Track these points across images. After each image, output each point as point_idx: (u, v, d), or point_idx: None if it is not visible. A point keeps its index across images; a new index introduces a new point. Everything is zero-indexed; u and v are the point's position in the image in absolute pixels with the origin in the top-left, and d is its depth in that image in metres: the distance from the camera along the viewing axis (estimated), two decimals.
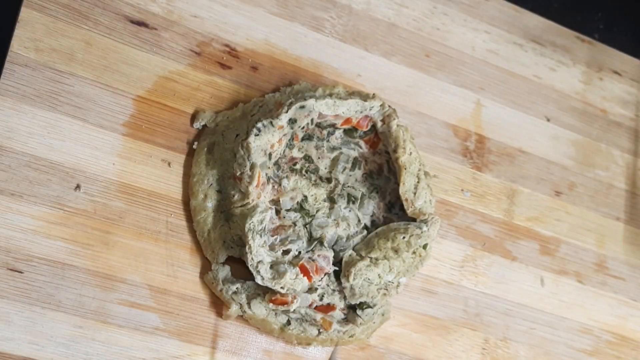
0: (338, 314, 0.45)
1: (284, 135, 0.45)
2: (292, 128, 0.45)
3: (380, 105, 0.47)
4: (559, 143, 0.59)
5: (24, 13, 0.44)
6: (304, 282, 0.44)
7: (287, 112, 0.44)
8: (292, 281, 0.42)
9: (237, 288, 0.43)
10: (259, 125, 0.43)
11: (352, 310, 0.45)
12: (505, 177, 0.56)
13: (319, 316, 0.44)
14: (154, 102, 0.46)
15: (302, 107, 0.44)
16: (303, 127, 0.46)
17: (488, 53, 0.58)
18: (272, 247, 0.44)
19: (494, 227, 0.54)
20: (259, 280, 0.42)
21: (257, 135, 0.43)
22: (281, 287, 0.42)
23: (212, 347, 0.43)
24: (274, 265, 0.43)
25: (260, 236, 0.42)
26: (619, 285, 0.57)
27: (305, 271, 0.44)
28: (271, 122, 0.43)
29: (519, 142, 0.57)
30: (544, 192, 0.57)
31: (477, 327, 0.51)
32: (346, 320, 0.45)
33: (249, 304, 0.43)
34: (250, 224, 0.42)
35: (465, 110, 0.56)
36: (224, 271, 0.44)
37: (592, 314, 0.56)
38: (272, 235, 0.45)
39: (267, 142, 0.43)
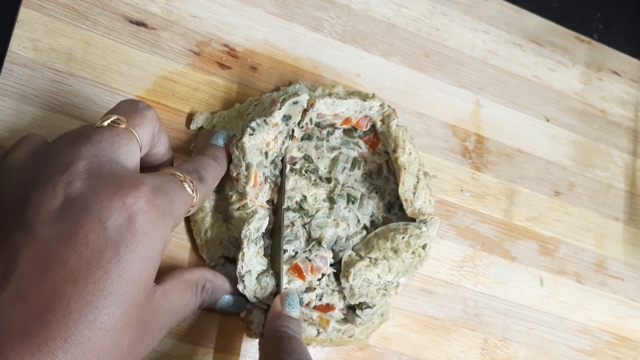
0: (337, 314, 0.45)
1: (280, 132, 0.44)
2: (287, 125, 0.44)
3: (380, 105, 0.47)
4: (558, 143, 0.59)
5: (23, 13, 0.44)
6: (296, 283, 0.44)
7: (280, 108, 0.43)
8: (272, 297, 0.42)
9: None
10: (253, 124, 0.43)
11: (352, 311, 0.45)
12: (504, 177, 0.56)
13: (315, 315, 0.44)
14: (153, 102, 0.46)
15: (295, 102, 0.44)
16: (302, 127, 0.46)
17: (487, 53, 0.58)
18: (267, 252, 0.44)
19: (493, 227, 0.54)
20: (240, 288, 0.42)
21: (252, 134, 0.43)
22: (258, 301, 0.42)
23: (211, 347, 0.43)
24: (260, 276, 0.42)
25: (256, 244, 0.42)
26: (618, 286, 0.57)
27: (298, 270, 0.44)
28: (265, 120, 0.43)
29: (518, 143, 0.57)
30: (543, 192, 0.57)
31: (476, 327, 0.51)
32: (345, 320, 0.45)
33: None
34: (246, 230, 0.42)
35: (464, 110, 0.56)
36: (221, 261, 0.44)
37: (591, 314, 0.56)
38: (270, 237, 0.44)
39: (262, 141, 0.43)
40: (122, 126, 0.35)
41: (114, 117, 0.35)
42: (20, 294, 0.29)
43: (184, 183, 0.36)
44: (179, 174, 0.36)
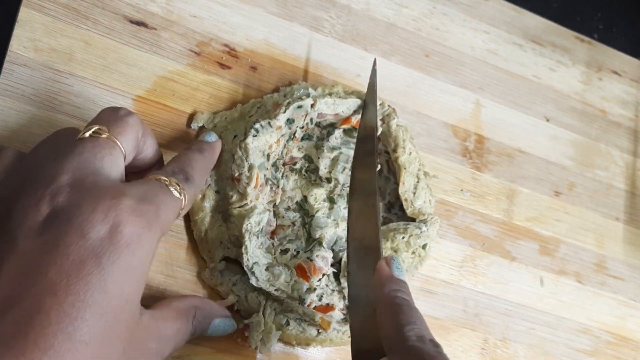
0: (337, 314, 0.45)
1: (282, 135, 0.44)
2: (290, 128, 0.45)
3: (380, 105, 0.47)
4: (558, 143, 0.59)
5: (23, 13, 0.44)
6: (300, 283, 0.44)
7: (284, 112, 0.43)
8: (287, 284, 0.42)
9: (237, 279, 0.43)
10: (257, 126, 0.43)
11: None
12: (504, 177, 0.56)
13: (317, 316, 0.44)
14: (153, 102, 0.46)
15: (300, 106, 0.44)
16: (302, 127, 0.46)
17: (487, 53, 0.58)
18: (269, 250, 0.44)
19: (494, 227, 0.54)
20: (253, 281, 0.42)
21: (255, 136, 0.43)
22: (275, 290, 0.42)
23: (211, 347, 0.43)
24: (269, 267, 0.42)
25: (257, 237, 0.42)
26: (618, 286, 0.57)
27: (302, 270, 0.44)
28: (269, 123, 0.43)
29: (518, 142, 0.57)
30: (543, 192, 0.57)
31: (476, 327, 0.51)
32: (345, 320, 0.45)
33: (246, 297, 0.43)
34: (247, 224, 0.42)
35: (464, 110, 0.56)
36: (221, 266, 0.44)
37: (591, 314, 0.56)
38: (270, 238, 0.44)
39: (265, 143, 0.43)
40: (104, 136, 0.35)
41: (95, 128, 0.35)
42: (0, 306, 0.29)
43: (170, 187, 0.35)
44: (164, 178, 0.36)
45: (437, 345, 0.34)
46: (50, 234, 0.30)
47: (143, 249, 0.32)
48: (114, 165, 0.34)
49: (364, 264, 0.41)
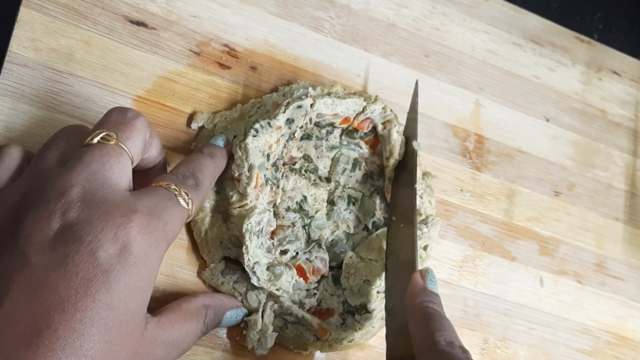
0: (336, 319, 0.45)
1: (282, 135, 0.44)
2: (289, 128, 0.45)
3: (382, 108, 0.47)
4: (558, 143, 0.59)
5: (23, 13, 0.44)
6: (300, 283, 0.44)
7: (284, 112, 0.43)
8: (288, 283, 0.42)
9: (237, 277, 0.43)
10: (257, 126, 0.43)
11: (351, 316, 0.45)
12: (504, 177, 0.56)
13: (315, 322, 0.43)
14: (153, 102, 0.46)
15: (299, 106, 0.44)
16: (302, 127, 0.46)
17: (487, 53, 0.58)
18: (269, 250, 0.44)
19: (493, 227, 0.54)
20: (254, 281, 0.42)
21: (255, 136, 0.43)
22: (277, 289, 0.42)
23: (212, 347, 0.43)
24: (270, 267, 0.42)
25: (258, 237, 0.42)
26: (618, 286, 0.57)
27: (302, 271, 0.44)
28: (269, 123, 0.43)
29: (518, 143, 0.57)
30: (543, 192, 0.57)
31: (476, 327, 0.51)
32: (345, 325, 0.45)
33: (246, 293, 0.43)
34: (247, 224, 0.42)
35: (464, 110, 0.56)
36: (221, 265, 0.44)
37: (591, 314, 0.56)
38: (270, 238, 0.44)
39: (265, 143, 0.43)
40: (112, 142, 0.35)
41: (103, 133, 0.35)
42: (9, 318, 0.29)
43: (178, 197, 0.35)
44: (173, 186, 0.36)
45: (465, 352, 0.35)
46: (60, 251, 0.31)
47: (149, 266, 0.32)
48: (122, 173, 0.34)
49: (400, 276, 0.42)
